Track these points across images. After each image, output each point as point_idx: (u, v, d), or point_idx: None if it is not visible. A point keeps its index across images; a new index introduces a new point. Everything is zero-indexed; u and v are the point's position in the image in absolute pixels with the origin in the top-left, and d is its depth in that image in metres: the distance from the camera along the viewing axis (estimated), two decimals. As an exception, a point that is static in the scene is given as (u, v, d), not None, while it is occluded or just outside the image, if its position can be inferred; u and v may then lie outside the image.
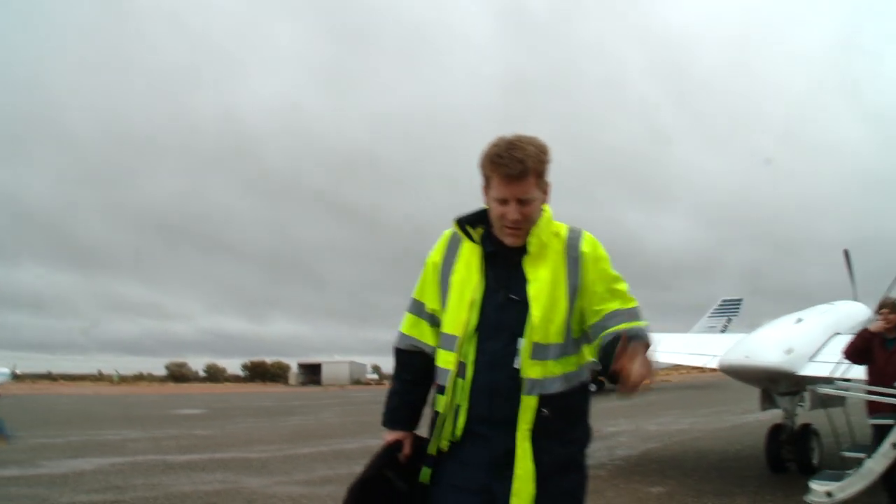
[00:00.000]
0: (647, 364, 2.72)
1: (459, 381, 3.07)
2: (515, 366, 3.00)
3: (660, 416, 25.38)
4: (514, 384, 2.99)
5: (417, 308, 3.37)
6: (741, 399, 25.27)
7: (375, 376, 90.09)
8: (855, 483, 7.62)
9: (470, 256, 3.22)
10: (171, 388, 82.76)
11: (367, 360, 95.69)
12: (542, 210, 3.15)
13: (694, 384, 57.48)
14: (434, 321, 3.30)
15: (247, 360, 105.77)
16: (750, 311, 48.61)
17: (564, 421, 3.07)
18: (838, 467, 8.78)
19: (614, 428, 21.33)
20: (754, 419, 19.31)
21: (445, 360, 3.14)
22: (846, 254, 14.32)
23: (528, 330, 3.01)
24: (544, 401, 2.99)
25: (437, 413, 3.14)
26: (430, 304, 3.30)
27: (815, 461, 11.37)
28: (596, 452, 15.15)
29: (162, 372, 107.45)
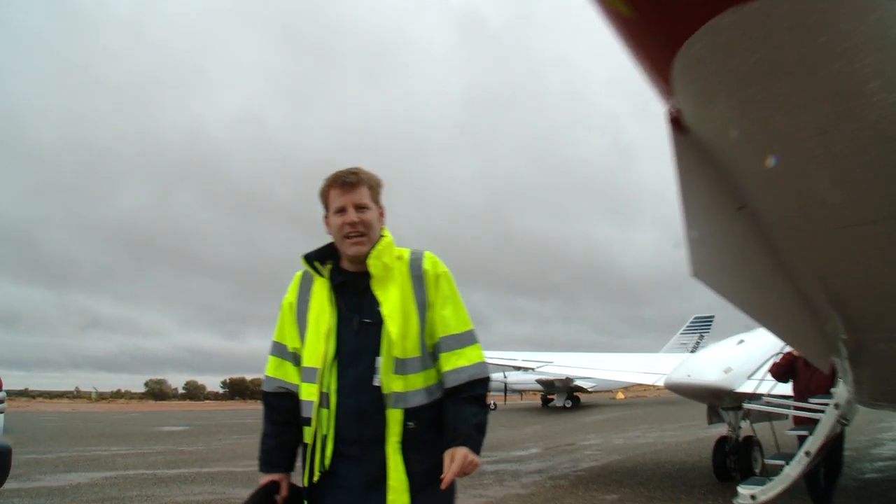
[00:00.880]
0: (465, 462, 3.02)
1: (323, 411, 3.17)
2: (376, 384, 3.14)
3: (628, 431, 26.39)
4: (378, 403, 3.13)
5: (279, 350, 3.45)
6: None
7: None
8: (775, 487, 8.62)
9: (321, 291, 3.34)
10: (152, 405, 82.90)
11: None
12: (381, 230, 3.37)
13: (667, 400, 58.61)
14: (297, 360, 3.38)
15: (225, 377, 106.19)
16: (722, 328, 49.64)
17: (432, 432, 3.20)
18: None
19: (583, 442, 22.35)
20: (718, 433, 20.40)
21: (308, 393, 3.24)
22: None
23: (385, 346, 3.15)
24: (409, 414, 3.14)
25: (305, 445, 3.25)
26: (291, 343, 3.40)
27: (756, 470, 12.41)
28: (561, 464, 16.23)
29: (140, 389, 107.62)
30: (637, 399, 63.75)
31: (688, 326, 51.53)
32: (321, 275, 3.35)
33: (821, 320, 4.30)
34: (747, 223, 2.99)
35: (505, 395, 53.12)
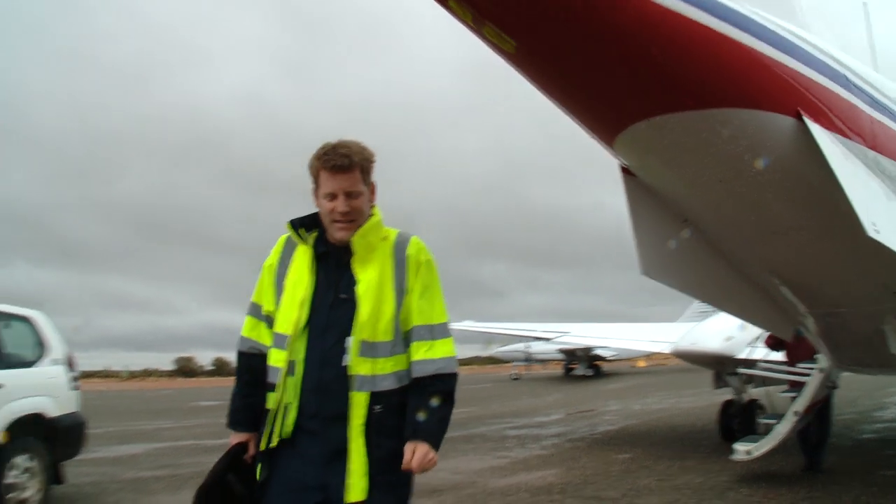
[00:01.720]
0: (423, 458, 3.05)
1: (289, 378, 3.15)
2: (344, 363, 3.10)
3: (646, 398, 27.42)
4: (343, 381, 3.09)
5: (255, 310, 3.43)
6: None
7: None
8: (767, 443, 9.61)
9: (302, 258, 3.31)
10: (181, 382, 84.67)
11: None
12: (371, 209, 3.31)
13: (687, 368, 59.38)
14: (271, 323, 3.35)
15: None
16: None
17: (397, 417, 3.17)
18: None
19: (602, 408, 23.43)
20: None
21: (276, 359, 3.21)
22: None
23: (356, 328, 3.11)
24: (376, 398, 3.12)
25: (268, 410, 3.21)
26: (267, 306, 3.37)
27: (758, 431, 13.42)
28: (580, 429, 17.30)
29: (168, 367, 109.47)
30: (658, 367, 64.55)
31: (706, 295, 52.23)
32: (305, 242, 3.32)
33: (776, 300, 5.26)
34: (692, 233, 3.97)
35: (528, 365, 54.23)
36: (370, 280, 3.19)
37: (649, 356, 61.99)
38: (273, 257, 3.43)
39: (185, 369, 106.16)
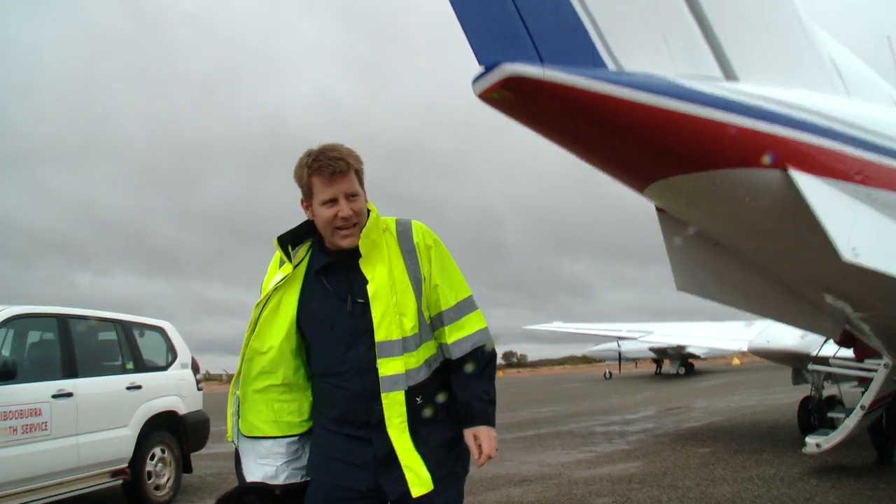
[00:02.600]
0: (492, 443, 3.13)
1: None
2: (377, 365, 3.08)
3: (734, 395, 27.59)
4: (379, 385, 3.08)
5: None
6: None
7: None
8: (836, 436, 10.09)
9: (283, 271, 3.27)
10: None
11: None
12: (368, 209, 3.22)
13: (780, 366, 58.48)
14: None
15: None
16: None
17: (437, 403, 3.23)
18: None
19: (690, 405, 23.86)
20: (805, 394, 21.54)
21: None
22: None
23: (376, 329, 3.09)
24: (413, 391, 3.11)
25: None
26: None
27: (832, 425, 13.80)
28: (665, 425, 17.90)
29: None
30: (753, 365, 63.57)
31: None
32: (289, 260, 3.25)
33: (821, 306, 5.94)
34: (725, 253, 4.80)
35: (620, 364, 54.40)
36: (381, 278, 3.14)
37: (744, 354, 61.25)
38: (269, 271, 3.39)
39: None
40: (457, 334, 3.24)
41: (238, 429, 3.32)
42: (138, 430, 9.57)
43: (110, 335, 9.95)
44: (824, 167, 3.94)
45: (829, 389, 14.12)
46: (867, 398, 9.95)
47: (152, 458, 9.84)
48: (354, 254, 3.18)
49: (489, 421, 3.20)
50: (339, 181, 3.09)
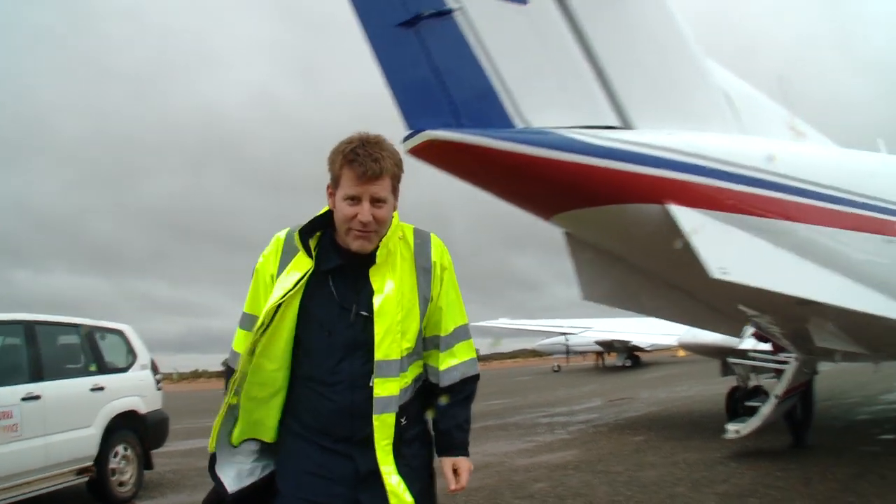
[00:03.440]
0: (468, 475, 3.08)
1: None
2: (371, 384, 2.91)
3: (676, 386, 28.67)
4: (370, 403, 2.90)
5: (250, 323, 3.05)
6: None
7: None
8: (753, 423, 11.01)
9: (299, 270, 2.99)
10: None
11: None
12: (392, 217, 2.99)
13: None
14: None
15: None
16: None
17: (419, 423, 3.14)
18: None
19: (632, 397, 24.86)
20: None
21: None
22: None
23: (378, 346, 2.90)
24: (400, 412, 2.97)
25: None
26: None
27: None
28: (606, 416, 18.80)
29: (217, 367, 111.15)
30: (697, 356, 65.29)
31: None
32: (311, 257, 3.00)
33: (719, 309, 6.79)
34: (628, 267, 5.61)
35: (568, 357, 55.44)
36: (389, 293, 2.95)
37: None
38: (271, 264, 3.06)
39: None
40: (449, 362, 3.15)
41: (227, 438, 3.12)
42: (102, 430, 10.08)
43: (73, 339, 10.44)
44: (699, 200, 4.76)
45: (757, 381, 15.15)
46: (780, 388, 10.92)
47: (115, 455, 10.35)
48: (367, 259, 2.98)
49: (467, 451, 3.17)
50: (370, 183, 2.84)
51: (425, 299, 3.07)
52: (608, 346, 50.73)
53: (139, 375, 11.33)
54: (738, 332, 7.96)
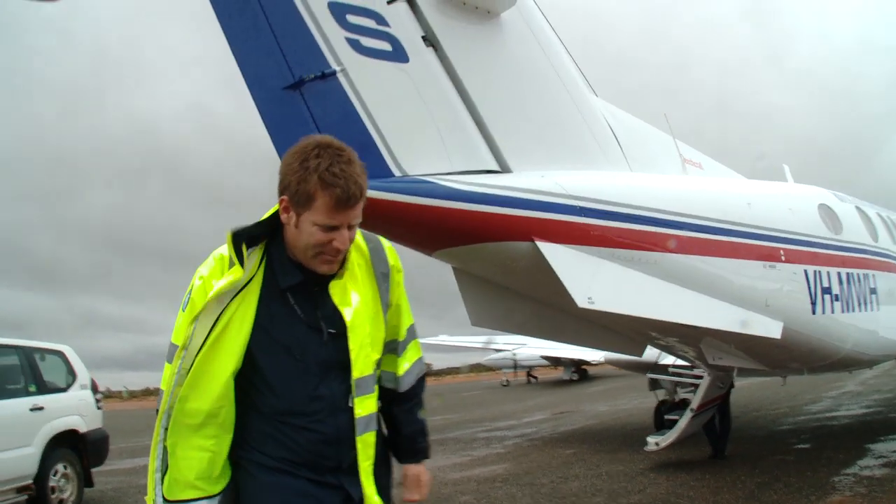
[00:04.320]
0: (424, 486, 3.07)
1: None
2: (351, 404, 2.77)
3: (618, 399, 29.25)
4: (353, 426, 2.77)
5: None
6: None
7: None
8: (671, 435, 11.60)
9: (234, 279, 2.68)
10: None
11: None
12: None
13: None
14: None
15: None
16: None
17: (383, 439, 3.01)
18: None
19: (573, 410, 25.41)
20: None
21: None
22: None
23: (355, 363, 2.74)
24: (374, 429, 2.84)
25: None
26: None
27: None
28: (543, 430, 19.34)
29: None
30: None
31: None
32: (241, 264, 2.68)
33: (615, 331, 7.34)
34: (515, 295, 6.15)
35: (515, 371, 55.86)
36: (359, 307, 2.80)
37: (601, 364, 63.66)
38: (209, 285, 2.71)
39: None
40: (404, 365, 3.05)
41: (160, 492, 2.70)
42: (42, 448, 10.35)
43: (12, 360, 10.71)
44: (566, 236, 5.34)
45: (683, 395, 15.80)
46: (695, 401, 11.55)
47: (55, 474, 10.63)
48: (328, 276, 2.79)
49: (429, 456, 3.13)
50: (349, 210, 2.63)
51: (386, 305, 2.94)
52: (555, 360, 51.30)
53: (79, 395, 11.62)
54: (640, 353, 8.50)
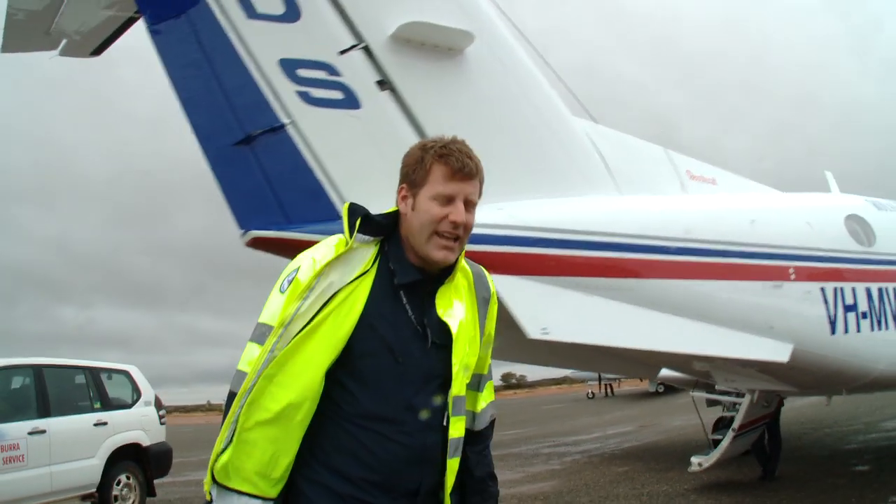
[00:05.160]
0: None
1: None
2: (445, 423, 2.60)
3: (690, 414, 28.74)
4: (443, 447, 2.60)
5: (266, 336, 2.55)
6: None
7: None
8: (714, 456, 11.51)
9: (360, 276, 2.55)
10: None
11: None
12: None
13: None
14: None
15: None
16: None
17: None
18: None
19: (644, 425, 25.11)
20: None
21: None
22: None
23: (454, 380, 2.58)
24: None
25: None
26: None
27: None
28: (607, 445, 19.23)
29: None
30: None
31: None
32: (350, 236, 2.59)
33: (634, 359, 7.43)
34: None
35: (600, 383, 54.94)
36: (463, 319, 2.66)
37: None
38: (333, 272, 2.54)
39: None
40: (482, 404, 2.90)
41: (214, 476, 2.52)
42: (104, 460, 11.20)
43: (80, 379, 11.64)
44: (520, 267, 5.41)
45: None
46: (737, 421, 11.44)
47: (118, 483, 11.50)
48: (435, 278, 2.66)
49: (498, 501, 2.93)
50: (466, 181, 2.57)
51: (482, 333, 2.80)
52: (640, 372, 50.43)
53: (143, 411, 12.48)
54: (654, 375, 8.53)
